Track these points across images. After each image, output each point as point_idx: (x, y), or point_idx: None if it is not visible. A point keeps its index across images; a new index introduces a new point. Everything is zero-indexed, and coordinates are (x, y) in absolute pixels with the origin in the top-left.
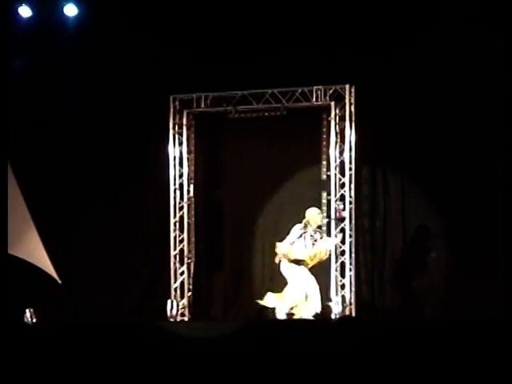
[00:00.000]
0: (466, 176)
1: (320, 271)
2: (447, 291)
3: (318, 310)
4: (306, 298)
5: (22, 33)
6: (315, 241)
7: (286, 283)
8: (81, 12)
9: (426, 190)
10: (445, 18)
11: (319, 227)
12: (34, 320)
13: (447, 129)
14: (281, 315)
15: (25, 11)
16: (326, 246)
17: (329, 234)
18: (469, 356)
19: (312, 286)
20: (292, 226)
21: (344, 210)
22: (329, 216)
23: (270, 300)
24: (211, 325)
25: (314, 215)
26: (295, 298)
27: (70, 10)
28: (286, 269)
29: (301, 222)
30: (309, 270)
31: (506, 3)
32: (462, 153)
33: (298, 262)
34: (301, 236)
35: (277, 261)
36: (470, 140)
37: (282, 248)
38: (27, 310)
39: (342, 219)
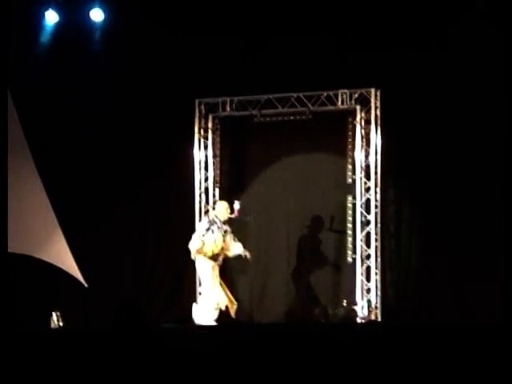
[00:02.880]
0: (491, 179)
1: (343, 274)
2: (473, 295)
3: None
4: (226, 295)
5: (49, 37)
6: (225, 232)
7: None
8: (107, 17)
9: (451, 193)
10: (472, 20)
11: (227, 221)
12: (61, 323)
13: (474, 132)
14: (207, 320)
15: (51, 16)
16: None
17: (354, 237)
18: (498, 360)
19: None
20: (318, 230)
21: (242, 210)
22: (354, 221)
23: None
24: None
25: (222, 210)
26: (217, 300)
27: (96, 15)
28: (200, 266)
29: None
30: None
31: None
32: (487, 157)
33: (215, 257)
34: (208, 229)
35: (193, 257)
36: (495, 144)
37: (193, 244)
38: (54, 314)
39: (241, 219)
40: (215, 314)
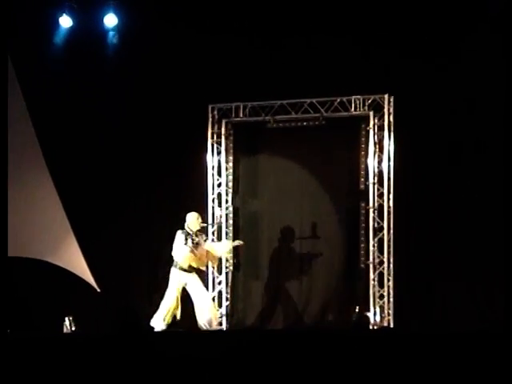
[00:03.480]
0: (506, 184)
1: (356, 280)
2: (488, 301)
3: (208, 316)
4: (178, 304)
5: (63, 42)
6: (197, 244)
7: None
8: (120, 22)
9: (464, 199)
10: (487, 27)
11: (199, 231)
12: (74, 328)
13: (487, 139)
14: (158, 325)
15: (65, 21)
16: (218, 248)
17: (367, 243)
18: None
19: (199, 293)
20: (331, 236)
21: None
22: (367, 227)
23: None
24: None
25: (192, 220)
26: (166, 305)
27: (110, 20)
28: (172, 276)
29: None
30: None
31: None
32: (500, 162)
33: (189, 269)
34: (186, 241)
35: (178, 267)
36: (508, 149)
37: (180, 252)
38: (66, 318)
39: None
40: (165, 321)
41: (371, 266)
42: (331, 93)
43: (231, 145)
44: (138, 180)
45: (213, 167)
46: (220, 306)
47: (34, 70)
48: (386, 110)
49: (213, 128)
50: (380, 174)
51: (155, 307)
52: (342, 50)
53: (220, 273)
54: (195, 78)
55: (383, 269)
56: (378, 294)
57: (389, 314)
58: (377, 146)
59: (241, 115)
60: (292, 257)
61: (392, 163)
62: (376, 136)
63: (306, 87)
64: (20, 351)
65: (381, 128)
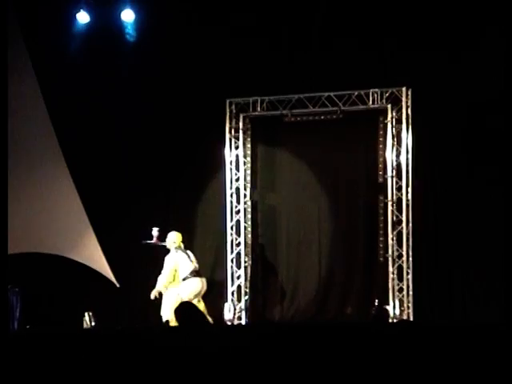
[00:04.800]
0: None
1: (375, 273)
2: (508, 295)
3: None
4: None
5: (81, 38)
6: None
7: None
8: (138, 17)
9: (482, 191)
10: (505, 19)
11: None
12: (93, 323)
13: (506, 131)
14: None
15: (83, 17)
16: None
17: (386, 237)
18: None
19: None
20: (349, 230)
21: (159, 236)
22: (385, 220)
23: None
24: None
25: (177, 236)
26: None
27: (128, 16)
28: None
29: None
30: None
31: None
32: None
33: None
34: (188, 256)
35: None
36: None
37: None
38: (86, 314)
39: (159, 246)
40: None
41: (390, 259)
42: (349, 86)
43: (249, 139)
44: (156, 175)
45: (231, 162)
46: (239, 300)
47: (52, 66)
48: (403, 103)
49: (231, 122)
50: (398, 167)
51: None
52: (359, 43)
53: (239, 267)
54: (213, 73)
55: (402, 262)
56: (397, 288)
57: (408, 307)
58: (395, 139)
59: (258, 109)
60: (310, 250)
61: (410, 156)
62: (394, 129)
63: (324, 81)
64: (39, 347)
65: (399, 121)
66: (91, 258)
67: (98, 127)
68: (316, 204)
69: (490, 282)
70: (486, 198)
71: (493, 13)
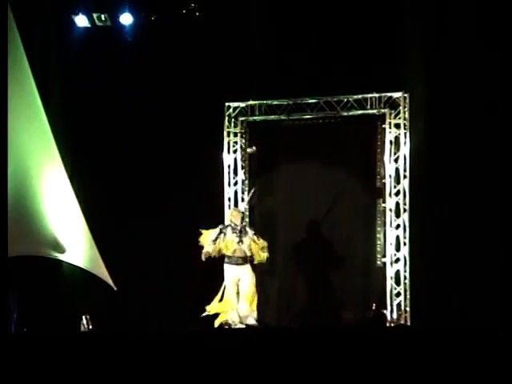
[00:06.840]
0: None
1: (372, 278)
2: (507, 300)
3: (244, 313)
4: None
5: (79, 41)
6: (240, 232)
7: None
8: (136, 20)
9: (481, 196)
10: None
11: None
12: (91, 327)
13: (504, 136)
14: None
15: (81, 21)
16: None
17: (384, 241)
18: None
19: (243, 286)
20: (347, 234)
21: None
22: (383, 225)
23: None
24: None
25: (231, 213)
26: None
27: (126, 19)
28: (225, 271)
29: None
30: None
31: None
32: None
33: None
34: (221, 232)
35: (203, 258)
36: None
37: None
38: (83, 317)
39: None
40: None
41: (388, 263)
42: (347, 91)
43: (247, 143)
44: (154, 178)
45: (229, 165)
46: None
47: (50, 69)
48: (401, 108)
49: (229, 126)
50: (396, 171)
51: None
52: (357, 48)
53: None
54: (211, 77)
55: (400, 266)
56: (394, 292)
57: (406, 312)
58: (393, 144)
59: (257, 113)
60: (308, 254)
61: (408, 160)
62: (392, 134)
63: (322, 85)
64: (37, 350)
65: (397, 126)
66: (89, 261)
67: (97, 130)
68: (314, 208)
69: (488, 288)
70: (485, 203)
71: (493, 13)
